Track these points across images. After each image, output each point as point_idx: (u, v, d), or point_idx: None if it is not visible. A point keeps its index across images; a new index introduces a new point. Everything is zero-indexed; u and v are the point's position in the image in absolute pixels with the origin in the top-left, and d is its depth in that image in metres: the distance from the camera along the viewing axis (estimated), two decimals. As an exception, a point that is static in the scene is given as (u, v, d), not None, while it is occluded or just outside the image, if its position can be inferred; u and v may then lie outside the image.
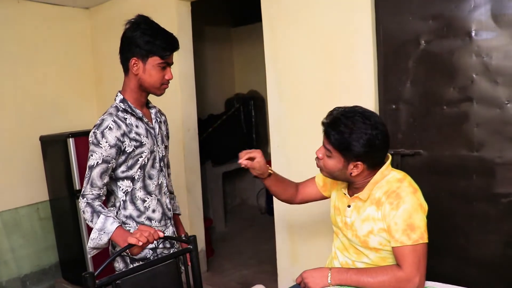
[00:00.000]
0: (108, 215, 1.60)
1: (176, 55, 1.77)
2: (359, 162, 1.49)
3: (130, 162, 1.70)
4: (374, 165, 1.53)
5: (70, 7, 3.80)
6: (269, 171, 1.75)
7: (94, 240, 1.58)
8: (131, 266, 1.72)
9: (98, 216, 1.59)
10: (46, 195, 3.57)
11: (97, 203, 1.63)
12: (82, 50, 3.92)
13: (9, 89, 3.41)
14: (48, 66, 3.66)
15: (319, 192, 1.82)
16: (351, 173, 1.52)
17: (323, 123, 1.56)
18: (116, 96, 1.75)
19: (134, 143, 1.68)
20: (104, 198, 1.69)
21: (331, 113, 1.55)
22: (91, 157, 1.64)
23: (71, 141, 3.16)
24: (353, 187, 1.62)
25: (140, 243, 1.48)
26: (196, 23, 3.57)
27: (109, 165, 1.65)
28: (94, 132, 1.64)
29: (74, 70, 3.86)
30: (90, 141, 1.65)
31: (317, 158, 1.59)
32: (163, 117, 1.93)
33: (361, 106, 1.55)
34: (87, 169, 1.65)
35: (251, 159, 1.69)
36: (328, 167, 1.56)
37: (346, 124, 1.47)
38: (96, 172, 1.63)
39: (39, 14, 3.59)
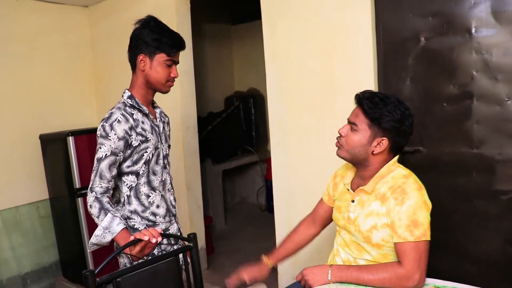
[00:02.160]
0: (116, 214, 1.62)
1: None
2: (384, 138, 1.50)
3: (135, 157, 1.72)
4: (395, 149, 1.55)
5: (68, 5, 3.79)
6: (269, 265, 1.80)
7: (98, 237, 1.60)
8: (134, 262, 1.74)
9: (106, 214, 1.61)
10: (46, 194, 3.57)
11: (105, 200, 1.65)
12: (81, 48, 3.91)
13: (8, 87, 3.40)
14: (47, 64, 3.65)
15: (330, 208, 1.81)
16: (373, 151, 1.52)
17: (357, 95, 1.56)
18: (124, 93, 1.78)
19: (140, 137, 1.71)
20: (111, 192, 1.71)
21: (363, 91, 1.57)
22: (99, 149, 1.65)
23: (70, 140, 3.16)
24: (359, 179, 1.62)
25: (146, 237, 1.50)
26: (195, 21, 3.56)
27: (117, 158, 1.67)
28: (102, 125, 1.66)
29: (73, 68, 3.85)
30: (99, 134, 1.66)
31: (339, 137, 1.58)
32: (166, 118, 1.97)
33: None
34: (95, 162, 1.66)
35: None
36: (351, 143, 1.54)
37: (381, 97, 1.50)
38: (104, 164, 1.64)
39: (38, 12, 3.58)
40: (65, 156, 3.20)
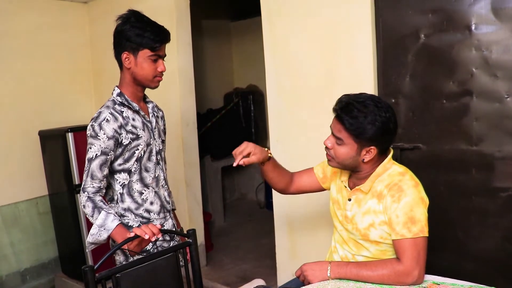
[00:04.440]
0: (109, 211, 1.61)
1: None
2: (372, 147, 1.50)
3: (126, 154, 1.71)
4: (385, 150, 1.55)
5: (68, 1, 3.78)
6: (269, 154, 1.73)
7: (94, 236, 1.60)
8: (131, 259, 1.73)
9: (99, 212, 1.60)
10: (46, 190, 3.56)
11: (98, 198, 1.65)
12: (80, 44, 3.90)
13: (7, 83, 3.39)
14: (46, 60, 3.65)
15: (317, 184, 1.81)
16: (363, 160, 1.52)
17: (335, 110, 1.54)
18: (113, 90, 1.76)
19: (130, 135, 1.70)
20: (104, 191, 1.70)
21: (340, 100, 1.53)
22: (89, 149, 1.65)
23: (70, 136, 3.16)
24: (355, 179, 1.62)
25: (147, 236, 1.49)
26: (195, 17, 3.55)
27: (108, 157, 1.66)
28: (91, 125, 1.65)
29: (73, 64, 3.85)
30: (88, 134, 1.66)
31: (327, 149, 1.58)
32: (160, 113, 1.95)
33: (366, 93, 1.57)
34: (86, 162, 1.65)
35: (248, 155, 1.67)
36: (340, 156, 1.53)
37: (359, 108, 1.47)
38: (95, 164, 1.64)
39: (37, 9, 3.57)
40: (65, 152, 3.20)
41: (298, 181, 1.84)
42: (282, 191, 1.86)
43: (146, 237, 1.50)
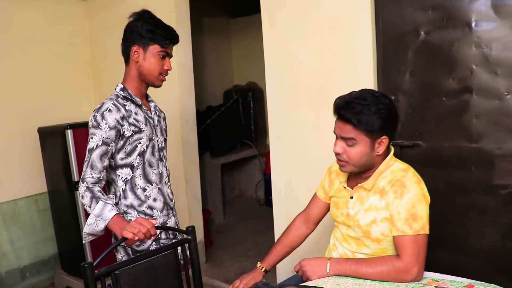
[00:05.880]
0: (107, 202, 1.60)
1: (174, 47, 1.80)
2: (383, 137, 1.50)
3: (128, 148, 1.71)
4: (392, 139, 1.56)
5: (67, -3, 3.77)
6: (263, 271, 1.80)
7: (91, 226, 1.59)
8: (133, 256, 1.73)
9: (97, 202, 1.59)
10: (45, 187, 3.56)
11: (97, 189, 1.63)
12: (79, 41, 3.89)
13: (6, 80, 3.38)
14: (45, 57, 3.63)
15: (326, 205, 1.80)
16: (377, 153, 1.52)
17: (336, 112, 1.51)
18: (117, 86, 1.77)
19: (133, 128, 1.70)
20: (104, 183, 1.69)
21: (337, 102, 1.51)
22: (91, 140, 1.65)
23: (69, 133, 3.15)
24: (356, 178, 1.61)
25: (136, 238, 1.49)
26: (194, 14, 3.54)
27: (109, 148, 1.65)
28: (94, 115, 1.66)
29: (72, 61, 3.84)
30: (90, 125, 1.66)
31: (338, 154, 1.54)
32: (162, 114, 1.96)
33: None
34: (87, 152, 1.65)
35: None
36: (355, 157, 1.50)
37: (360, 102, 1.46)
38: (96, 154, 1.63)
39: (36, 4, 3.55)
40: (64, 149, 3.19)
41: (312, 215, 1.85)
42: (307, 237, 1.89)
43: (136, 238, 1.49)
